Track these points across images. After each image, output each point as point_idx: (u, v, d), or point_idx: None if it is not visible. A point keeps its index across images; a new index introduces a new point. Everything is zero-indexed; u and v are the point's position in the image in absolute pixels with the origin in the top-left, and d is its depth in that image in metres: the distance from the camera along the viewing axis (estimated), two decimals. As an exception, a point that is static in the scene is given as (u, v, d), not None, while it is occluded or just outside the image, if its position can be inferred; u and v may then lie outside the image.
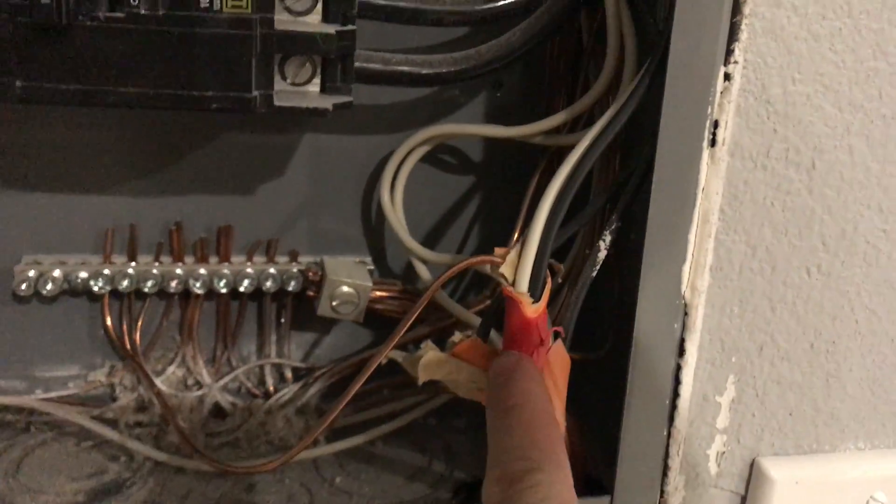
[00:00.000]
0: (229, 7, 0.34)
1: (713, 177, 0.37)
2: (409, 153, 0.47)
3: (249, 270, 0.48)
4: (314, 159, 0.48)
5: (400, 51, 0.45)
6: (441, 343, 0.46)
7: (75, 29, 0.33)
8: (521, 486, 0.30)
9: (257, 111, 0.36)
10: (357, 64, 0.40)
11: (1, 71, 0.34)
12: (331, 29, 0.36)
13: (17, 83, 0.34)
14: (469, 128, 0.47)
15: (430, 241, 0.51)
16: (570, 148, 0.44)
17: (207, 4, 0.33)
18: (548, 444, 0.32)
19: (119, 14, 0.33)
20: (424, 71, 0.42)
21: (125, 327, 0.48)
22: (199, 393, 0.49)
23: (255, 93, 0.36)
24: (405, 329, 0.39)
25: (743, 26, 0.35)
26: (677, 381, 0.40)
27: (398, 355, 0.42)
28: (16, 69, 0.34)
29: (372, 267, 0.50)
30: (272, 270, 0.48)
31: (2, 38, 0.33)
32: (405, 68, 0.42)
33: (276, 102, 0.36)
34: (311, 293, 0.48)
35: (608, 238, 0.40)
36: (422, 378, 0.40)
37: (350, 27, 0.38)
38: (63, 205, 0.47)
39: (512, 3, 0.42)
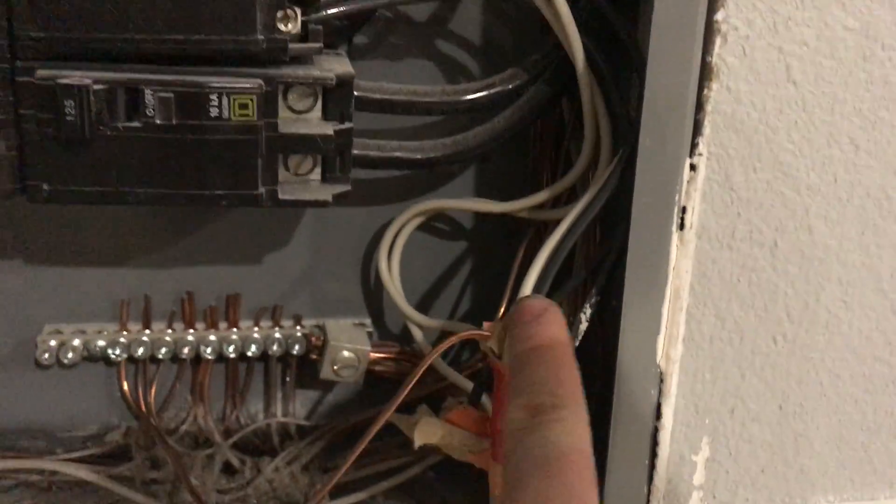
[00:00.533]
0: (237, 116, 0.37)
1: (683, 257, 0.40)
2: (404, 224, 0.50)
3: (256, 336, 0.51)
4: (316, 229, 0.52)
5: (394, 131, 0.49)
6: (435, 403, 0.49)
7: (96, 138, 0.36)
8: (547, 418, 0.31)
9: (263, 205, 0.39)
10: (355, 152, 0.43)
11: (29, 176, 0.37)
12: (329, 129, 0.40)
13: (44, 186, 0.37)
14: (460, 203, 0.50)
15: (426, 303, 0.54)
16: (554, 222, 0.48)
17: (217, 114, 0.37)
18: (572, 386, 0.33)
19: (136, 124, 0.37)
20: (417, 156, 0.45)
21: (140, 390, 0.52)
22: (210, 451, 0.52)
23: (262, 189, 0.39)
24: (404, 394, 0.42)
25: (706, 122, 0.39)
26: (655, 443, 0.43)
27: (395, 418, 0.45)
28: (42, 174, 0.37)
29: (371, 329, 0.53)
30: (277, 335, 0.52)
31: (30, 147, 0.37)
32: (399, 154, 0.45)
33: (281, 196, 0.40)
34: (314, 356, 0.51)
35: (588, 311, 0.43)
36: (417, 442, 0.43)
37: (347, 125, 0.41)
38: (82, 277, 0.50)
39: (496, 92, 0.45)
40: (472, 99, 0.45)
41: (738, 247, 0.41)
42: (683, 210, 0.40)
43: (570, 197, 0.48)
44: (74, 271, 0.50)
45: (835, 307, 0.43)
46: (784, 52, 0.39)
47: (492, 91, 0.45)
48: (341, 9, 0.42)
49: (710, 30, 0.38)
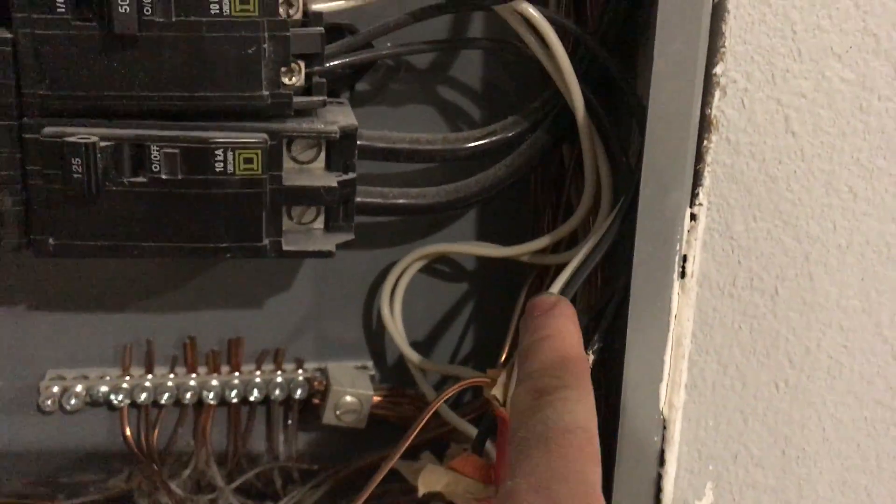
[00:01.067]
0: (242, 170, 0.37)
1: (684, 305, 0.41)
2: (406, 268, 0.51)
3: (258, 380, 0.51)
4: (318, 272, 0.52)
5: (396, 176, 0.49)
6: (438, 448, 0.49)
7: (103, 193, 0.37)
8: (550, 398, 0.32)
9: (268, 256, 0.39)
10: (358, 199, 0.44)
11: (35, 230, 0.38)
12: (333, 181, 0.40)
13: (50, 241, 0.38)
14: (462, 247, 0.50)
15: (428, 345, 0.54)
16: (555, 266, 0.48)
17: (222, 168, 0.37)
18: (579, 370, 0.34)
19: (142, 179, 0.37)
20: (420, 202, 0.46)
21: (143, 435, 0.52)
22: (213, 495, 0.52)
23: (266, 241, 0.39)
24: (408, 443, 0.42)
25: (706, 173, 0.39)
26: (659, 489, 0.43)
27: (399, 464, 0.45)
28: (48, 228, 0.37)
29: (373, 372, 0.53)
30: (279, 379, 0.52)
31: (36, 202, 0.37)
32: (402, 201, 0.46)
33: (285, 248, 0.40)
34: (316, 401, 0.51)
35: (591, 357, 0.43)
36: (421, 490, 0.43)
37: (351, 175, 0.41)
38: (84, 321, 0.50)
39: (497, 140, 0.46)
40: (473, 147, 0.46)
41: (740, 294, 0.41)
42: (684, 259, 0.40)
43: (571, 242, 0.48)
44: (77, 316, 0.50)
45: (836, 352, 0.43)
46: (782, 103, 0.39)
47: (493, 139, 0.46)
48: (344, 60, 0.43)
49: (709, 83, 0.38)
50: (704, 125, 0.39)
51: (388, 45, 0.45)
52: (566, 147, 0.48)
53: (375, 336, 0.54)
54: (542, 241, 0.47)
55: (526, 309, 0.38)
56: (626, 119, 0.44)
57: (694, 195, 0.40)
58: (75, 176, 0.35)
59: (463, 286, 0.54)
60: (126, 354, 0.51)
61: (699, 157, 0.39)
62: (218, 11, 0.35)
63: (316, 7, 0.40)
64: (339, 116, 0.42)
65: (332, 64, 0.42)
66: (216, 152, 0.37)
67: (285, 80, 0.39)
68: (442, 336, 0.54)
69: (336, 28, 0.45)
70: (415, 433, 0.42)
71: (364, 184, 0.44)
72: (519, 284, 0.51)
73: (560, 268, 0.48)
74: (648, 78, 0.38)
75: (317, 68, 0.40)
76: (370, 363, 0.54)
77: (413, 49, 0.46)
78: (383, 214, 0.46)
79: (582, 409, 0.32)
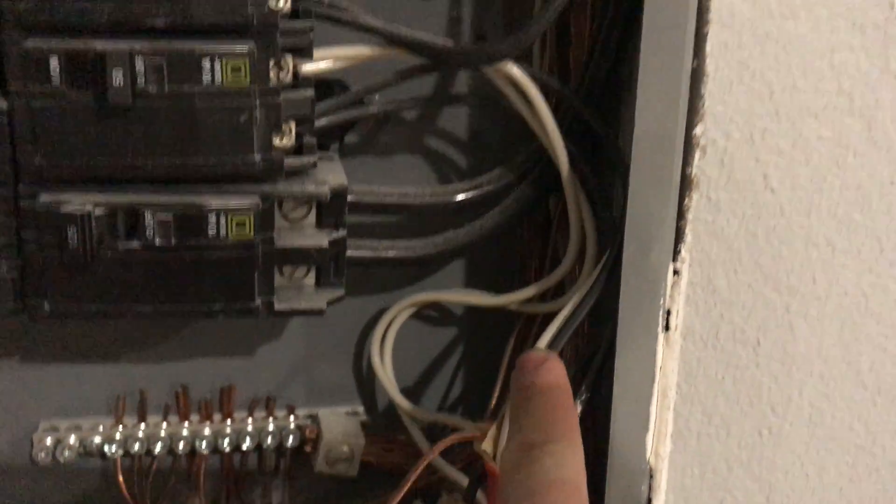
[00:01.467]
0: (234, 234, 0.38)
1: (669, 357, 0.42)
2: (396, 315, 0.51)
3: (250, 428, 0.52)
4: (308, 320, 0.52)
5: (385, 226, 0.50)
6: (430, 496, 0.50)
7: (97, 259, 0.37)
8: (538, 452, 0.32)
9: (260, 316, 0.40)
10: (349, 253, 0.45)
11: (30, 294, 0.38)
12: (324, 240, 0.41)
13: (45, 305, 0.38)
14: (451, 295, 0.51)
15: (418, 390, 0.55)
16: (542, 316, 0.49)
17: (214, 233, 0.38)
18: (566, 425, 0.34)
19: (136, 244, 0.38)
20: (409, 255, 0.47)
21: (136, 484, 0.52)
22: (206, 543, 0.52)
23: (258, 301, 0.40)
24: (401, 495, 0.43)
25: (688, 230, 0.40)
26: (647, 537, 0.44)
27: (392, 513, 0.45)
28: (43, 293, 0.38)
29: (364, 418, 0.54)
30: (271, 427, 0.52)
31: (31, 268, 0.38)
32: (391, 254, 0.46)
33: (277, 307, 0.41)
34: (308, 448, 0.52)
35: (579, 408, 0.44)
36: (414, 540, 0.44)
37: (342, 233, 0.42)
38: (77, 372, 0.50)
39: (484, 193, 0.47)
40: (460, 200, 0.47)
41: (722, 346, 0.42)
42: (668, 313, 0.41)
43: (558, 290, 0.49)
44: (69, 367, 0.50)
45: (817, 400, 0.44)
46: (761, 161, 0.40)
47: (479, 191, 0.47)
48: (335, 118, 0.44)
49: (689, 143, 0.39)
50: (685, 184, 0.40)
51: (377, 98, 0.46)
52: (552, 196, 0.49)
53: (366, 382, 0.54)
54: (530, 291, 0.48)
55: (516, 364, 0.39)
56: (609, 172, 0.45)
57: (676, 251, 0.40)
58: (71, 245, 0.36)
59: (452, 331, 0.54)
60: (119, 404, 0.51)
61: (681, 215, 0.40)
62: (210, 81, 0.36)
63: (306, 69, 0.40)
64: (329, 174, 0.43)
65: (323, 122, 0.43)
66: (209, 217, 0.38)
67: (276, 142, 0.39)
68: (432, 381, 0.55)
69: (326, 84, 0.46)
70: (407, 486, 0.42)
71: (354, 233, 0.45)
72: (507, 330, 0.52)
73: (547, 316, 0.49)
74: (631, 132, 0.39)
75: (307, 127, 0.41)
76: (361, 408, 0.54)
77: (401, 105, 0.47)
78: (373, 267, 0.47)
79: (570, 462, 0.33)
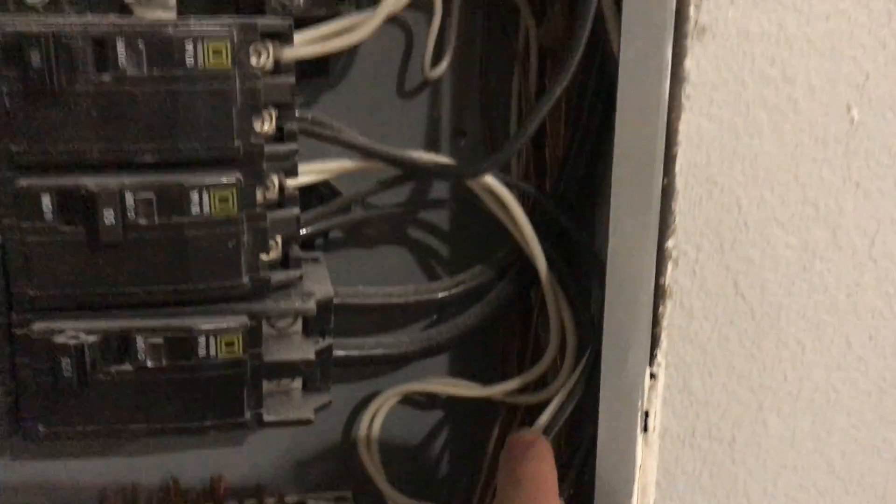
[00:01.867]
0: (224, 353, 0.39)
1: (648, 457, 0.43)
2: (382, 403, 0.52)
3: (240, 520, 0.53)
4: (297, 408, 0.53)
5: (369, 324, 0.51)
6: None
7: (90, 383, 0.38)
8: None
9: (249, 429, 0.41)
10: (336, 353, 0.46)
11: (24, 417, 0.39)
12: (311, 352, 0.42)
13: (39, 427, 0.39)
14: (436, 386, 0.52)
15: (405, 476, 0.55)
16: (525, 406, 0.50)
17: (205, 353, 0.39)
18: None
19: (128, 367, 0.39)
20: (394, 352, 0.48)
21: (128, 577, 0.53)
22: None
23: (248, 414, 0.41)
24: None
25: (663, 336, 0.42)
26: None
27: None
28: (37, 416, 0.39)
29: (352, 504, 0.55)
30: (261, 516, 0.53)
31: (25, 392, 0.38)
32: (378, 352, 0.48)
33: (266, 419, 0.42)
34: (298, 538, 0.53)
35: None
36: None
37: (328, 341, 0.43)
38: (69, 468, 0.51)
39: (465, 290, 0.48)
40: (442, 297, 0.48)
41: (699, 444, 0.44)
42: (647, 414, 0.42)
43: (540, 382, 0.50)
44: (61, 462, 0.51)
45: (792, 491, 0.45)
46: (731, 269, 0.42)
47: (461, 289, 0.48)
48: (318, 226, 0.45)
49: (661, 255, 0.41)
50: (659, 293, 0.41)
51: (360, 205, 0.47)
52: (532, 293, 0.50)
53: (353, 468, 0.55)
54: (513, 384, 0.49)
55: (506, 444, 0.41)
56: (586, 270, 0.47)
57: (653, 356, 0.42)
58: (64, 373, 0.37)
59: (438, 417, 0.55)
60: (110, 500, 0.52)
61: (656, 322, 0.41)
62: (199, 212, 0.37)
63: (291, 185, 0.42)
64: (315, 283, 0.44)
65: (307, 231, 0.45)
66: (199, 339, 0.39)
67: (263, 258, 0.41)
68: (418, 468, 0.56)
69: (312, 188, 0.47)
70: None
71: (340, 330, 0.46)
72: (492, 417, 0.53)
73: (529, 407, 0.50)
74: (606, 233, 0.41)
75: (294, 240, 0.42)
76: (349, 493, 0.55)
77: (383, 210, 0.48)
78: (360, 366, 0.48)
79: None
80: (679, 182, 0.40)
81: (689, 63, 0.38)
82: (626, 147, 0.39)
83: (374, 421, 0.52)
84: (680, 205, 0.40)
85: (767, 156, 0.41)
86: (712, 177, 0.40)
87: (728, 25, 0.38)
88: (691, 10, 0.38)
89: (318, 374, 0.44)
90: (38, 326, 0.38)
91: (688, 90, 0.39)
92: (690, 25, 0.38)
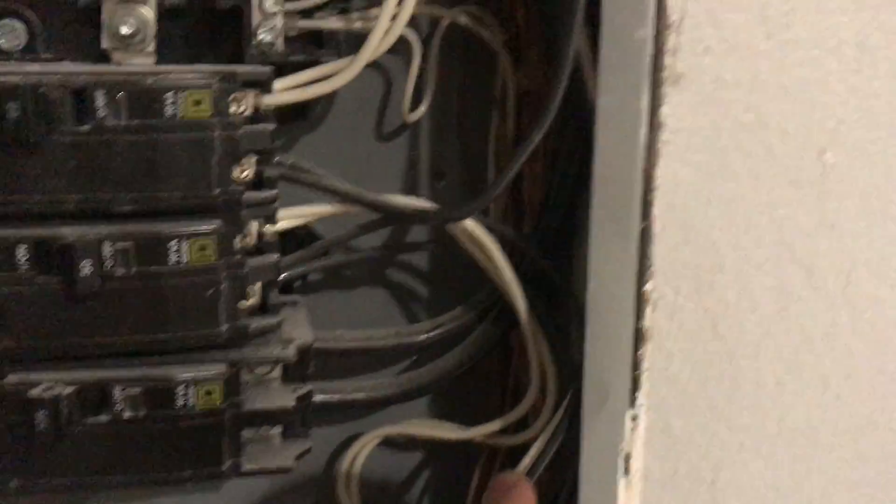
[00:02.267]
0: (202, 403, 0.39)
1: (629, 500, 0.43)
2: (363, 446, 0.52)
3: (220, 566, 0.52)
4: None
5: (350, 368, 0.51)
6: None
7: (66, 435, 0.38)
8: None
9: (225, 480, 0.41)
10: (317, 398, 0.45)
11: (-2, 471, 0.38)
12: (291, 400, 0.41)
13: (12, 481, 0.38)
14: (417, 428, 0.52)
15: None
16: (506, 448, 0.50)
17: (183, 403, 0.38)
18: None
19: (105, 419, 0.38)
20: (374, 395, 0.48)
21: None
22: None
23: (226, 464, 0.40)
24: None
25: (643, 378, 0.42)
26: None
27: None
28: (11, 470, 0.38)
29: (333, 548, 0.54)
30: (240, 563, 0.52)
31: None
32: (359, 396, 0.48)
33: (245, 468, 0.41)
34: (277, 585, 0.52)
35: (544, 547, 0.45)
36: None
37: (307, 388, 0.43)
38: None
39: (445, 332, 0.48)
40: (422, 340, 0.48)
41: (680, 484, 0.44)
42: (628, 457, 0.42)
43: (520, 424, 0.50)
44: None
45: (773, 530, 0.46)
46: (709, 311, 0.42)
47: (441, 331, 0.48)
48: (297, 271, 0.45)
49: (640, 299, 0.41)
50: (639, 337, 0.41)
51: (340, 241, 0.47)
52: (512, 331, 0.50)
53: (334, 510, 0.55)
54: (494, 426, 0.49)
55: (489, 486, 0.41)
56: (566, 313, 0.47)
57: (634, 398, 0.42)
58: (39, 426, 0.36)
59: (419, 458, 0.55)
60: (85, 548, 0.51)
61: (636, 365, 0.42)
62: (177, 261, 0.37)
63: (270, 231, 0.42)
64: (294, 328, 0.44)
65: (286, 275, 0.44)
66: (177, 389, 0.38)
67: (242, 305, 0.40)
68: (400, 507, 0.55)
69: (291, 232, 0.47)
70: None
71: (320, 374, 0.45)
72: (473, 458, 0.53)
73: (511, 449, 0.50)
74: (585, 278, 0.41)
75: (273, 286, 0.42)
76: (330, 537, 0.55)
77: (363, 253, 0.48)
78: (341, 410, 0.48)
79: None
80: (657, 226, 0.40)
81: (665, 110, 0.39)
82: (604, 191, 0.39)
83: (355, 463, 0.52)
84: (658, 248, 0.41)
85: (743, 199, 0.41)
86: (689, 220, 0.41)
87: (703, 73, 0.39)
88: (667, 58, 0.38)
89: (299, 420, 0.43)
90: (13, 378, 0.37)
91: (664, 136, 0.39)
92: (667, 73, 0.39)
